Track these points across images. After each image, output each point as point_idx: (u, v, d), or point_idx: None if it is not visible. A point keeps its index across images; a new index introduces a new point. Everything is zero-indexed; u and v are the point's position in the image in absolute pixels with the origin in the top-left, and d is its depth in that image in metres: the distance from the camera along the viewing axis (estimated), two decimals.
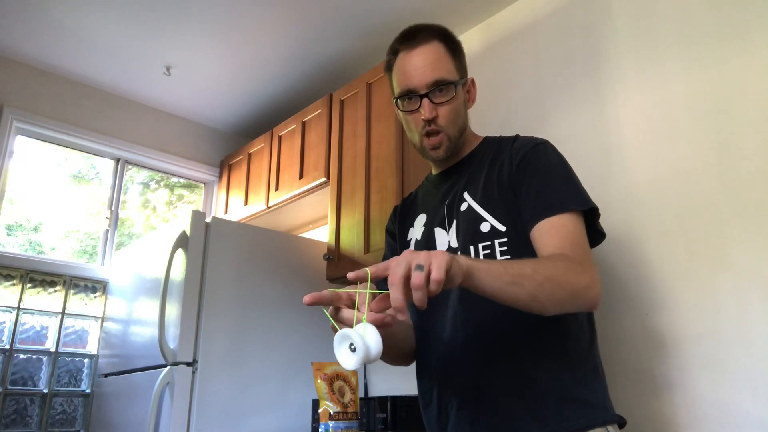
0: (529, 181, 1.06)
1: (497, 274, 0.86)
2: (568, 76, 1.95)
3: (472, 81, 1.23)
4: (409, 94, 1.14)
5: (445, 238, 1.15)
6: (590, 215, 1.06)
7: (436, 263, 0.74)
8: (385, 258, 1.30)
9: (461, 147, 1.20)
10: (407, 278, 0.74)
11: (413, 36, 1.16)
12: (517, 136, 1.19)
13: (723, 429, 1.37)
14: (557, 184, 1.06)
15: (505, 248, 1.06)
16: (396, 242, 1.31)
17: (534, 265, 0.91)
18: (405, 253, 0.78)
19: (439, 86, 1.12)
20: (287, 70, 2.69)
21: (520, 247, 1.04)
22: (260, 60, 2.61)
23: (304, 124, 2.54)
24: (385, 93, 2.14)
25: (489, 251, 1.07)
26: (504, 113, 2.10)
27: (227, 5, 2.26)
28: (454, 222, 1.14)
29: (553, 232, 1.00)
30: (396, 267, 0.75)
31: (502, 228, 1.06)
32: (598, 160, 1.78)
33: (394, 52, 1.19)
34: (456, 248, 1.11)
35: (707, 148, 1.54)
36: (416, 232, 1.24)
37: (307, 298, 0.84)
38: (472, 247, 1.08)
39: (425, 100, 1.12)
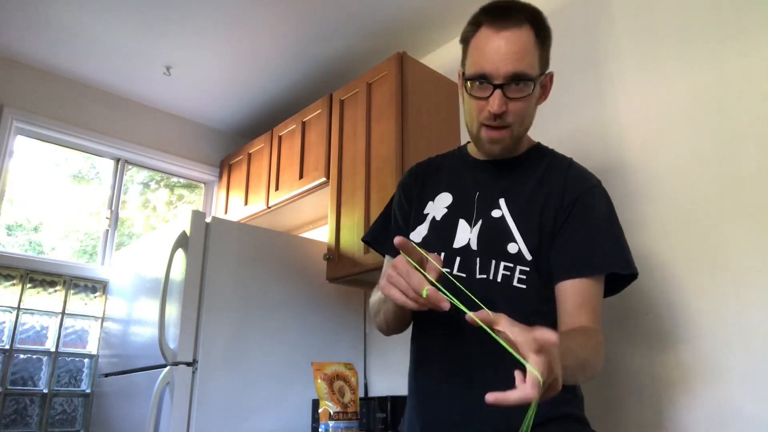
0: (574, 229, 1.04)
1: (576, 367, 0.87)
2: (568, 76, 1.94)
3: (551, 77, 1.12)
4: (481, 79, 1.02)
5: (467, 235, 1.08)
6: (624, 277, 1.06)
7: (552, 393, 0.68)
8: (392, 215, 1.23)
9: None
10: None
11: (504, 14, 1.02)
12: (571, 163, 1.13)
13: (723, 429, 1.37)
14: (600, 242, 1.04)
15: (524, 277, 1.04)
16: (410, 206, 1.20)
17: (592, 350, 0.93)
18: (544, 358, 0.65)
19: (517, 80, 1.00)
20: (287, 70, 2.69)
21: (538, 281, 1.03)
22: (260, 60, 2.61)
23: (304, 124, 2.54)
24: (385, 93, 2.14)
25: (508, 273, 1.04)
26: None
27: (227, 5, 2.26)
28: (480, 222, 1.08)
29: (579, 297, 1.00)
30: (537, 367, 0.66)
31: (528, 257, 1.03)
32: (598, 160, 1.78)
33: (476, 23, 1.05)
34: (474, 251, 1.07)
35: (707, 148, 1.54)
36: (436, 210, 1.15)
37: (398, 240, 0.83)
38: (494, 261, 1.05)
39: (498, 92, 1.00)
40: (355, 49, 2.53)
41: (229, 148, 3.22)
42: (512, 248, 1.04)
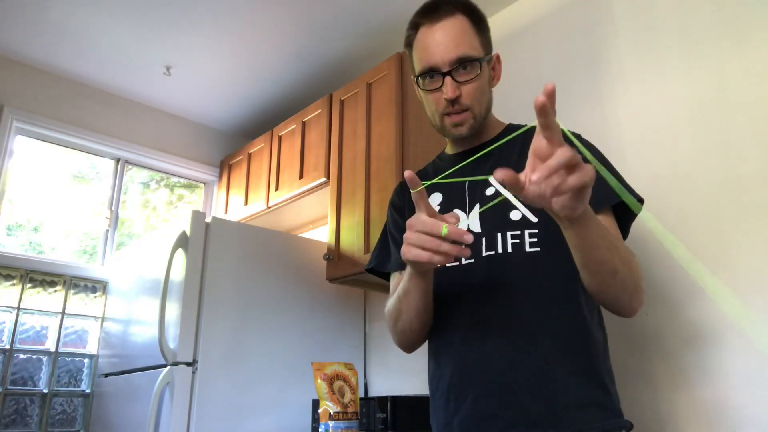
0: None
1: (603, 233, 0.87)
2: (568, 76, 1.94)
3: (498, 57, 1.15)
4: (430, 72, 1.07)
5: (465, 222, 1.09)
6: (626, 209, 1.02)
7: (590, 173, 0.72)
8: (389, 235, 1.24)
9: (485, 128, 1.13)
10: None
11: (435, 9, 1.09)
12: None
13: (723, 429, 1.37)
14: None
15: (535, 240, 1.02)
16: (403, 219, 1.21)
17: (623, 246, 0.93)
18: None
19: (462, 63, 1.05)
20: (287, 70, 2.69)
21: (550, 240, 1.00)
22: (260, 60, 2.61)
23: (304, 124, 2.54)
24: (385, 93, 2.14)
25: (518, 240, 1.02)
26: (503, 113, 2.09)
27: (227, 6, 2.26)
28: (477, 206, 1.08)
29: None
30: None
31: (534, 219, 0.99)
32: None
33: (414, 26, 1.12)
34: (478, 233, 1.06)
35: (707, 148, 1.54)
36: None
37: (408, 174, 0.87)
38: (499, 234, 1.03)
39: (448, 79, 1.05)
40: (355, 49, 2.53)
41: (229, 148, 3.22)
42: (515, 215, 1.03)
